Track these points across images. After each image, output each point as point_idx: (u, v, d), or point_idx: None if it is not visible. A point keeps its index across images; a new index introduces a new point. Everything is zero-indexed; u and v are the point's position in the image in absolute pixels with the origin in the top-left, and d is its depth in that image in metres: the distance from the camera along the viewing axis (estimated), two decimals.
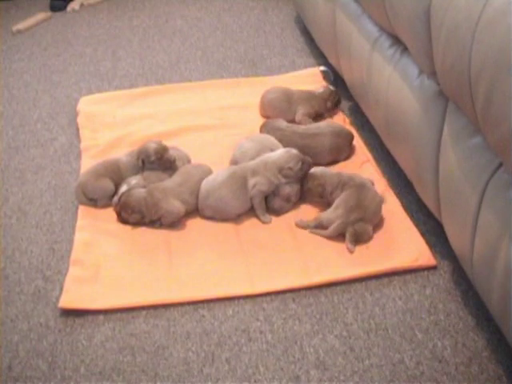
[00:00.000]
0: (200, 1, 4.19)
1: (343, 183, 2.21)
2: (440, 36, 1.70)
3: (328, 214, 2.17)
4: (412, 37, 1.96)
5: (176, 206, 2.24)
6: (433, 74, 1.88)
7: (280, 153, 2.30)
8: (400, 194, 2.32)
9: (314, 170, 2.30)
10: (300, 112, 2.74)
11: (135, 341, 1.88)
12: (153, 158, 2.38)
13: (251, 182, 2.25)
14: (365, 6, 2.47)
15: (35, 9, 4.18)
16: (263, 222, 2.24)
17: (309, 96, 2.78)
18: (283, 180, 2.26)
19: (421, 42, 1.88)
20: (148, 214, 2.24)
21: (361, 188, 2.17)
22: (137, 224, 2.26)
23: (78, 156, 2.69)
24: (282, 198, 2.26)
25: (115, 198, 2.33)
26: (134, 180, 2.35)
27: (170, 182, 2.32)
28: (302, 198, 2.31)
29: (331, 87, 2.82)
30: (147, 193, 2.26)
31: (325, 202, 2.25)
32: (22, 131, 2.93)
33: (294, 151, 2.28)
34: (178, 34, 3.77)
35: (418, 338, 1.81)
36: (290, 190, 2.27)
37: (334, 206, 2.18)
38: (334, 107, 2.80)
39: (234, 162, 2.41)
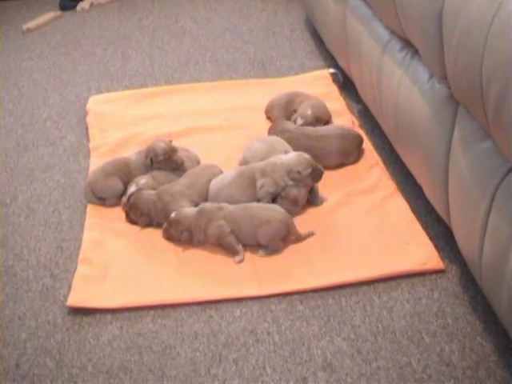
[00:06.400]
0: (210, 2, 4.19)
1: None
2: (452, 40, 1.70)
3: None
4: (423, 40, 1.96)
5: (185, 207, 2.24)
6: (444, 78, 1.87)
7: (291, 156, 2.29)
8: (409, 198, 2.31)
9: (176, 213, 2.18)
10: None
11: (143, 340, 1.88)
12: (160, 158, 2.39)
13: (259, 182, 2.25)
14: (376, 9, 2.47)
15: (45, 8, 4.19)
16: None
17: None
18: (290, 182, 2.25)
19: (432, 45, 1.88)
20: (156, 218, 2.25)
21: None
22: (145, 226, 2.27)
23: (87, 155, 2.70)
24: (288, 201, 2.26)
25: (124, 198, 2.33)
26: (142, 180, 2.35)
27: (179, 184, 2.32)
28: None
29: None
30: (156, 196, 2.27)
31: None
32: (31, 130, 2.94)
33: (307, 156, 2.27)
34: (188, 35, 3.78)
35: (426, 342, 1.81)
36: (297, 193, 2.25)
37: None
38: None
39: (244, 163, 2.41)
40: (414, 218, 2.21)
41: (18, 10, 4.24)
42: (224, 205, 2.19)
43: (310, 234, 2.17)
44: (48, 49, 3.72)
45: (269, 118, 2.84)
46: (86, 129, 2.88)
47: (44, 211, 2.42)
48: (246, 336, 1.87)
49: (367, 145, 2.59)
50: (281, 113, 2.78)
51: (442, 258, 2.05)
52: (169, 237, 2.20)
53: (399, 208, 2.26)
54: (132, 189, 2.32)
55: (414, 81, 2.11)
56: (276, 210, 2.17)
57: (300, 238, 2.16)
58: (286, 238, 2.13)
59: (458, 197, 1.84)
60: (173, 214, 2.19)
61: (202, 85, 3.19)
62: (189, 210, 2.20)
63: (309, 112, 2.67)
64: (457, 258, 2.01)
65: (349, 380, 1.72)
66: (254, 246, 2.14)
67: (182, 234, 2.16)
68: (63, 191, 2.51)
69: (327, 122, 2.70)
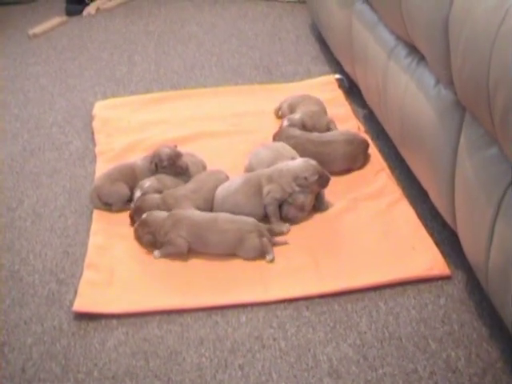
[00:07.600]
0: (215, 7, 4.19)
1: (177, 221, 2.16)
2: (458, 45, 1.70)
3: None
4: (429, 46, 1.96)
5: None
6: (450, 84, 1.87)
7: (298, 162, 2.29)
8: (415, 203, 2.31)
9: (148, 214, 2.20)
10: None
11: (148, 345, 1.88)
12: (165, 163, 2.39)
13: (266, 189, 2.25)
14: (382, 15, 2.47)
15: (51, 13, 4.20)
16: (278, 231, 2.22)
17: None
18: (297, 189, 2.25)
19: (438, 51, 1.88)
20: None
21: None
22: None
23: (93, 160, 2.70)
24: (295, 207, 2.26)
25: (132, 204, 2.33)
26: (147, 182, 2.36)
27: (184, 189, 2.33)
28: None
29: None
30: (161, 200, 2.27)
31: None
32: (37, 134, 2.94)
33: (313, 162, 2.27)
34: (194, 40, 3.78)
35: (432, 348, 1.80)
36: (303, 199, 2.25)
37: None
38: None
39: (250, 169, 2.41)
40: (420, 224, 2.21)
41: (23, 15, 4.25)
42: (196, 214, 2.19)
43: (284, 242, 2.18)
44: (54, 54, 3.73)
45: (279, 117, 2.85)
46: (92, 134, 2.88)
47: (50, 216, 2.42)
48: (251, 342, 1.87)
49: (373, 150, 2.59)
50: (289, 110, 2.79)
51: (448, 263, 2.05)
52: (137, 237, 2.20)
53: (405, 213, 2.26)
54: (138, 194, 2.33)
55: (420, 86, 2.11)
56: (243, 222, 2.16)
57: (274, 243, 2.16)
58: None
59: (464, 202, 1.84)
60: (144, 215, 2.19)
61: (207, 90, 3.19)
62: (160, 214, 2.20)
63: (297, 117, 2.68)
64: (463, 264, 2.01)
65: None
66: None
67: (145, 237, 2.17)
68: (69, 196, 2.52)
69: (320, 130, 2.67)
